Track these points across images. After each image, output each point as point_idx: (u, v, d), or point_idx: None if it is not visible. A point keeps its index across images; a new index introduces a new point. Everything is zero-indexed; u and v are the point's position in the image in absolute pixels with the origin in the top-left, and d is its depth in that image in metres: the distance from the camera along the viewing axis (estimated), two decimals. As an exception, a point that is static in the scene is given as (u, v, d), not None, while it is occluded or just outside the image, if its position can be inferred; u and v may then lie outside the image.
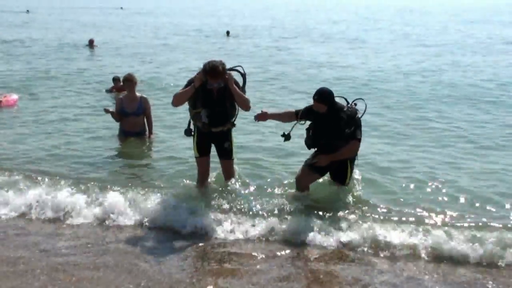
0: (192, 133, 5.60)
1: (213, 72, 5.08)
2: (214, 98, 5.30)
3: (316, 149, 5.48)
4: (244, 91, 5.41)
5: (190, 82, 5.31)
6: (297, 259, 4.52)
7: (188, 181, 5.97)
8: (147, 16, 46.19)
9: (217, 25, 34.91)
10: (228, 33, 28.15)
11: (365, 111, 5.47)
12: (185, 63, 17.16)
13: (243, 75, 5.45)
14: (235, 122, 5.57)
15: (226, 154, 5.67)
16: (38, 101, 10.96)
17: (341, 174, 5.51)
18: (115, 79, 11.81)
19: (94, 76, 14.09)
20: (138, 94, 7.49)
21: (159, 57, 18.69)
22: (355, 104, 5.40)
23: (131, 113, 7.41)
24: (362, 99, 5.55)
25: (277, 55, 19.57)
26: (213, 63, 5.10)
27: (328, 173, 5.62)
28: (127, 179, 6.36)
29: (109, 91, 11.83)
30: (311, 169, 5.46)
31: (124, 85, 7.46)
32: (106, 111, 7.46)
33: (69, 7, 58.06)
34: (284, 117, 5.70)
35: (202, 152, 5.62)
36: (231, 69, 5.39)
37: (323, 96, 5.20)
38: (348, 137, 5.21)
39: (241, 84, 5.45)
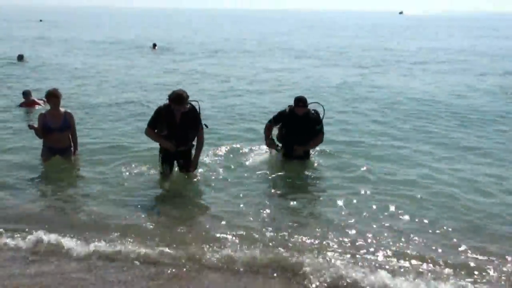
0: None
1: (178, 99, 6.09)
2: (177, 123, 6.26)
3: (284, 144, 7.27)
4: (200, 119, 6.44)
5: (157, 111, 6.33)
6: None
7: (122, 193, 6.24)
8: (66, 29, 44.44)
9: (141, 38, 34.32)
10: (154, 45, 27.80)
11: (324, 113, 7.24)
12: (111, 76, 16.71)
13: (199, 108, 6.44)
14: (193, 143, 6.57)
15: (187, 168, 6.68)
16: None
17: (307, 154, 7.41)
18: (26, 93, 11.42)
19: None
20: (62, 109, 7.16)
21: (84, 71, 18.08)
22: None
23: (55, 129, 7.05)
24: (318, 103, 7.39)
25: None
26: (178, 92, 6.13)
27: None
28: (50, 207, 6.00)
29: (20, 106, 11.30)
30: (288, 158, 7.29)
31: (49, 100, 7.04)
32: (31, 127, 7.04)
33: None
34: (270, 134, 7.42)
35: (166, 167, 6.66)
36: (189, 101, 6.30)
37: (306, 102, 6.96)
38: (317, 132, 7.07)
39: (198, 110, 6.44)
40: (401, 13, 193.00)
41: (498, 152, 8.27)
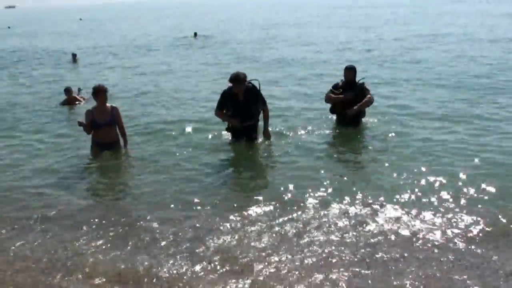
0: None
1: (236, 79, 6.92)
2: (240, 101, 7.10)
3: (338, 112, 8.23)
4: (261, 95, 7.20)
5: (223, 94, 7.22)
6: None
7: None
8: (109, 24, 45.17)
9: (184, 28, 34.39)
10: (195, 34, 27.90)
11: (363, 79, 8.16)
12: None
13: (259, 85, 7.17)
14: (258, 119, 7.35)
15: (252, 142, 7.47)
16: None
17: (358, 120, 8.20)
18: (67, 90, 11.44)
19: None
20: (108, 104, 7.17)
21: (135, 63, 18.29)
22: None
23: (103, 124, 7.09)
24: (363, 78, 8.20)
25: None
26: (235, 73, 7.00)
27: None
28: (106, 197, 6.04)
29: (62, 103, 11.34)
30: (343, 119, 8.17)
31: (98, 96, 7.06)
32: (80, 123, 7.07)
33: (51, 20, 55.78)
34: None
35: (235, 140, 7.58)
36: (249, 80, 7.13)
37: (354, 67, 8.01)
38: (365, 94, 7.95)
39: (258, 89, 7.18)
40: None
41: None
